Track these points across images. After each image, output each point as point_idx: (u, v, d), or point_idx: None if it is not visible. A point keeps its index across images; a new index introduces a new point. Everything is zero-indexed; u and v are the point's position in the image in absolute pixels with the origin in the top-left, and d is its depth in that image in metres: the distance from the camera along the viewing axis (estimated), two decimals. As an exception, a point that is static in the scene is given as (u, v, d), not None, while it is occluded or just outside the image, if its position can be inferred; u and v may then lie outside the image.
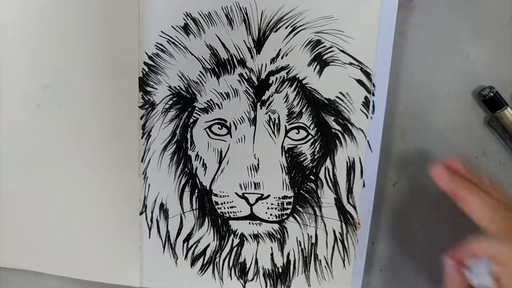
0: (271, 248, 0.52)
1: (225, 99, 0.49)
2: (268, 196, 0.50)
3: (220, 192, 0.50)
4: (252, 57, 0.48)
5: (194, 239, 0.52)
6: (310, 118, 0.49)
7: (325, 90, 0.48)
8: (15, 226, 0.55)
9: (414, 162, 0.51)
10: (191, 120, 0.49)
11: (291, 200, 0.50)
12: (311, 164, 0.50)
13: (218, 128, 0.49)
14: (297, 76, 0.48)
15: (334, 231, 0.51)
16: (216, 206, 0.51)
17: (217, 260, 0.52)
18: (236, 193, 0.50)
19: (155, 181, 0.51)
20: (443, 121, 0.50)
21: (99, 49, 0.49)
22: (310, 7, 0.46)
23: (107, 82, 0.50)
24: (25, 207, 0.54)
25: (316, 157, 0.49)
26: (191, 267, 0.53)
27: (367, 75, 0.47)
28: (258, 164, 0.49)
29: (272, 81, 0.48)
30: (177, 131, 0.50)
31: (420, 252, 0.54)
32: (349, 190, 0.50)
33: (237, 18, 0.47)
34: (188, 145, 0.50)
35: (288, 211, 0.50)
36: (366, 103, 0.48)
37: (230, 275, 0.53)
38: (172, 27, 0.48)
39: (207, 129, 0.49)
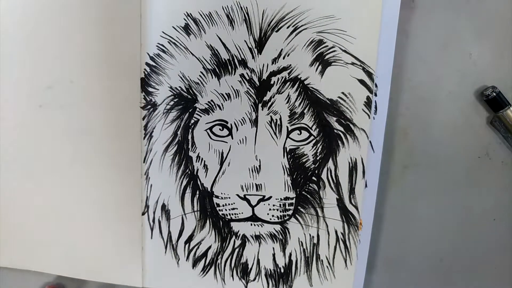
0: (273, 248, 0.52)
1: (226, 100, 0.48)
2: (270, 197, 0.50)
3: (222, 194, 0.50)
4: (253, 57, 0.47)
5: (195, 240, 0.52)
6: (312, 119, 0.48)
7: (327, 90, 0.48)
8: (17, 226, 0.55)
9: (416, 162, 0.51)
10: (192, 121, 0.49)
11: (293, 201, 0.50)
12: (313, 165, 0.49)
13: (219, 129, 0.49)
14: (299, 77, 0.48)
15: (336, 231, 0.51)
16: (218, 208, 0.51)
17: (219, 261, 0.53)
18: (238, 195, 0.50)
19: (157, 182, 0.51)
20: (446, 121, 0.50)
21: (101, 49, 0.49)
22: (312, 6, 0.46)
23: (109, 83, 0.50)
24: (27, 207, 0.54)
25: (318, 158, 0.49)
26: (193, 268, 0.53)
27: (369, 75, 0.47)
28: (259, 166, 0.49)
29: (274, 81, 0.48)
30: (178, 132, 0.50)
31: (422, 252, 0.54)
32: (351, 191, 0.50)
33: (238, 18, 0.47)
34: (189, 146, 0.50)
35: (290, 212, 0.50)
36: (368, 103, 0.48)
37: (232, 275, 0.53)
38: (173, 27, 0.48)
39: (208, 130, 0.49)
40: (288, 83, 0.48)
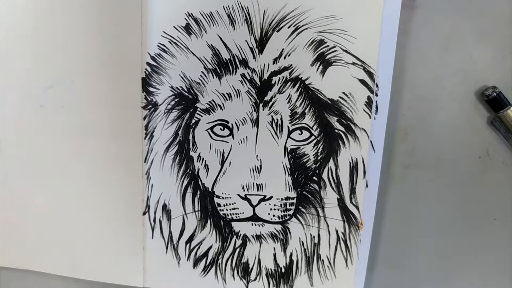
0: (274, 248, 0.52)
1: (227, 100, 0.48)
2: (271, 197, 0.50)
3: (222, 193, 0.50)
4: (254, 57, 0.47)
5: (196, 240, 0.52)
6: (313, 119, 0.48)
7: (328, 90, 0.48)
8: (17, 226, 0.55)
9: (417, 162, 0.51)
10: (193, 121, 0.49)
11: (294, 201, 0.50)
12: (314, 165, 0.49)
13: (220, 129, 0.49)
14: (300, 77, 0.48)
15: (337, 231, 0.51)
16: (219, 208, 0.51)
17: (219, 261, 0.53)
18: (239, 195, 0.50)
19: (158, 182, 0.51)
20: (446, 121, 0.50)
21: (102, 49, 0.49)
22: (313, 6, 0.46)
23: (110, 83, 0.50)
24: (27, 207, 0.54)
25: (319, 158, 0.49)
26: (194, 268, 0.53)
27: (370, 75, 0.47)
28: (260, 166, 0.49)
29: (275, 81, 0.48)
30: (179, 132, 0.50)
31: (423, 252, 0.54)
32: (352, 191, 0.50)
33: (239, 17, 0.47)
34: (190, 146, 0.50)
35: (291, 212, 0.50)
36: (369, 103, 0.48)
37: (233, 275, 0.53)
38: (174, 27, 0.48)
39: (209, 130, 0.49)
40: (289, 83, 0.48)
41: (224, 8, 0.47)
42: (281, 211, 0.50)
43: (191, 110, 0.49)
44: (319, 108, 0.48)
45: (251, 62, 0.48)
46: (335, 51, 0.47)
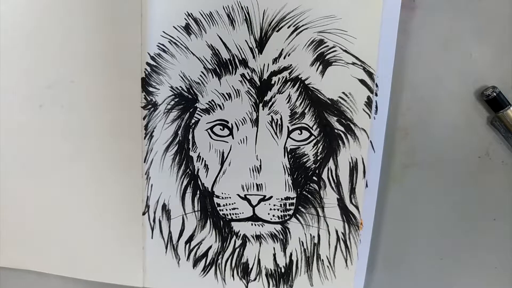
0: (274, 248, 0.52)
1: (226, 100, 0.48)
2: (271, 197, 0.50)
3: (222, 193, 0.50)
4: (254, 57, 0.47)
5: (196, 240, 0.52)
6: (313, 119, 0.48)
7: (328, 90, 0.48)
8: (17, 226, 0.55)
9: (417, 162, 0.51)
10: (193, 121, 0.49)
11: (294, 201, 0.50)
12: (313, 165, 0.49)
13: (220, 129, 0.49)
14: (299, 76, 0.48)
15: (336, 231, 0.51)
16: (218, 208, 0.51)
17: (219, 261, 0.53)
18: (238, 195, 0.50)
19: (158, 182, 0.51)
20: (446, 121, 0.50)
21: (102, 49, 0.49)
22: (313, 6, 0.46)
23: (109, 83, 0.50)
24: (27, 207, 0.54)
25: (319, 158, 0.49)
26: (194, 268, 0.53)
27: (370, 75, 0.47)
28: (260, 165, 0.49)
29: (275, 81, 0.48)
30: (179, 132, 0.50)
31: (422, 252, 0.54)
32: (352, 191, 0.50)
33: (238, 17, 0.47)
34: (190, 146, 0.50)
35: (290, 212, 0.50)
36: (369, 103, 0.48)
37: (233, 275, 0.53)
38: (174, 27, 0.48)
39: (209, 130, 0.49)
40: (289, 83, 0.48)
41: (223, 8, 0.47)
42: (281, 211, 0.50)
43: (190, 110, 0.49)
44: (319, 108, 0.48)
45: (251, 62, 0.48)
46: (335, 51, 0.47)
